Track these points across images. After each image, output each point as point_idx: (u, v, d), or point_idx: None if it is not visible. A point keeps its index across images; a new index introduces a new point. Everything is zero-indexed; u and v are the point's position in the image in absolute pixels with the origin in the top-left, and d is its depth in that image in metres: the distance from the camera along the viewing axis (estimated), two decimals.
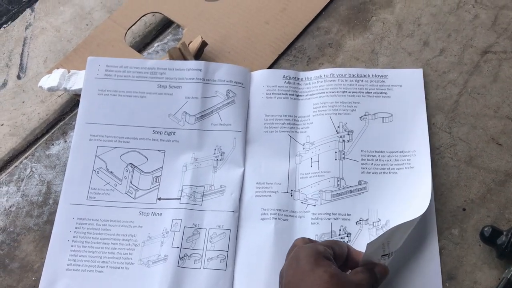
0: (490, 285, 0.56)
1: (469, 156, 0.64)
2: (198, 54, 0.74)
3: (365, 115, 0.67)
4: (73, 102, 0.77)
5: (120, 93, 0.69)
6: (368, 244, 0.48)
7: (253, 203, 0.63)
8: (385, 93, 0.68)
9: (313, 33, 0.75)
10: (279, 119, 0.68)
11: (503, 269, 0.56)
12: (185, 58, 0.72)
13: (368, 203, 0.61)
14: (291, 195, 0.63)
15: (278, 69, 0.72)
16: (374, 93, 0.68)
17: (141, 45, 0.82)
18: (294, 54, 0.74)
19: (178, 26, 0.81)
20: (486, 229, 0.57)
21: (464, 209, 0.61)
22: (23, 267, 0.63)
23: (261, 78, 0.71)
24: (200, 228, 0.61)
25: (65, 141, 0.72)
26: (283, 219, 0.61)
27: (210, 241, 0.60)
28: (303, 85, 0.70)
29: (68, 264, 0.60)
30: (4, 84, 0.80)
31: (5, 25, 0.87)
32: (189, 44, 0.73)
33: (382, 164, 0.63)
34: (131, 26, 0.80)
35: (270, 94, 0.70)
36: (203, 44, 0.74)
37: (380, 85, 0.69)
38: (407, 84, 0.69)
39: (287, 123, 0.67)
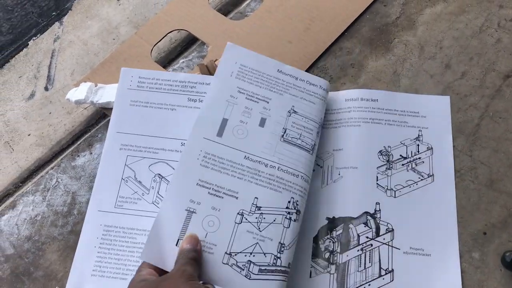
0: None
1: (490, 179, 0.65)
2: None
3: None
4: (99, 115, 0.79)
5: (151, 104, 0.70)
6: None
7: None
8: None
9: (336, 53, 0.77)
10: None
11: None
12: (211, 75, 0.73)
13: None
14: None
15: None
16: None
17: (166, 61, 0.84)
18: (316, 73, 0.76)
19: (203, 43, 0.82)
20: (507, 254, 0.57)
21: (485, 233, 0.61)
22: (47, 276, 0.64)
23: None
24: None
25: (91, 153, 0.73)
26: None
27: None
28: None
29: (93, 270, 0.62)
30: (32, 95, 0.82)
31: (34, 38, 0.89)
32: (215, 61, 0.75)
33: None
34: (157, 42, 0.82)
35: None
36: None
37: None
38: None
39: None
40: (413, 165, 0.66)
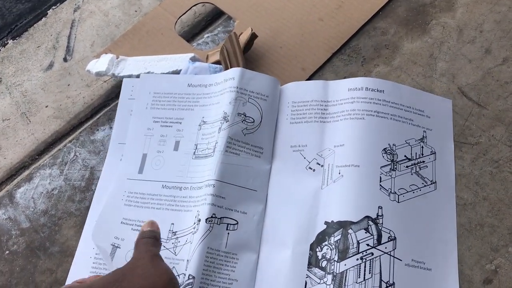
0: None
1: None
2: (248, 47, 0.72)
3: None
4: (118, 88, 0.75)
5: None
6: None
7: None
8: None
9: (369, 33, 0.73)
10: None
11: None
12: (233, 50, 0.70)
13: None
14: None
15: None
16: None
17: (190, 35, 0.81)
18: (348, 53, 0.72)
19: (229, 17, 0.79)
20: None
21: None
22: (63, 252, 0.62)
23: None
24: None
25: (111, 128, 0.71)
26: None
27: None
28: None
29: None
30: (51, 66, 0.80)
31: (54, 7, 0.86)
32: (239, 35, 0.72)
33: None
34: (182, 15, 0.79)
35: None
36: (253, 36, 0.72)
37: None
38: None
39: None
40: (417, 169, 0.61)
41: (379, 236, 0.56)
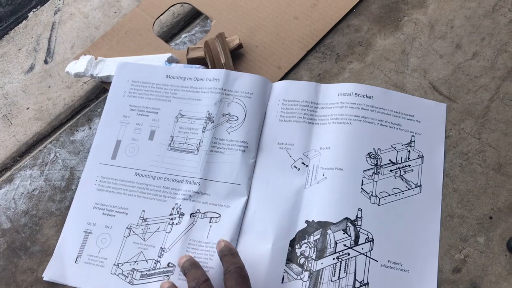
0: None
1: (498, 163, 0.63)
2: (233, 54, 0.73)
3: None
4: (98, 89, 0.77)
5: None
6: None
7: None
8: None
9: (343, 31, 0.74)
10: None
11: None
12: (219, 47, 0.71)
13: None
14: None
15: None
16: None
17: (169, 36, 0.82)
18: (322, 51, 0.73)
19: (207, 17, 0.80)
20: None
21: (491, 217, 0.60)
22: (44, 251, 0.63)
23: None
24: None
25: (90, 128, 0.72)
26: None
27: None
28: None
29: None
30: (31, 68, 0.80)
31: (34, 9, 0.87)
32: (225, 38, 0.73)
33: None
34: (160, 16, 0.80)
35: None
36: (239, 46, 0.73)
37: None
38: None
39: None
40: (402, 172, 0.62)
41: (357, 237, 0.58)
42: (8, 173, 0.70)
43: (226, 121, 0.66)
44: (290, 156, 0.64)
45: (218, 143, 0.65)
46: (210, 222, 0.61)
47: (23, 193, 0.68)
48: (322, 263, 0.57)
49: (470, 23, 0.73)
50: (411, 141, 0.64)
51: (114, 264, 0.60)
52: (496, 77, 0.68)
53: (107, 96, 0.70)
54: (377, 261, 0.57)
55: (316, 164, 0.63)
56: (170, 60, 0.73)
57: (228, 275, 0.52)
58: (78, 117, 0.74)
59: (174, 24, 0.83)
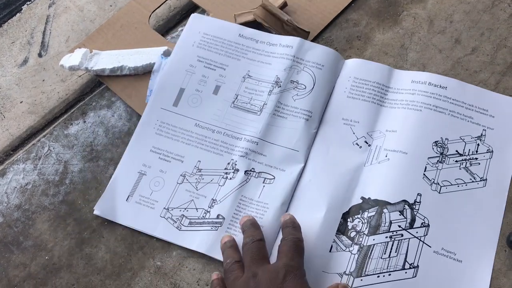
0: None
1: None
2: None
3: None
4: (93, 83, 0.76)
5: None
6: None
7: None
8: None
9: (342, 25, 0.74)
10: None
11: None
12: (272, 14, 0.71)
13: None
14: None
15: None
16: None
17: (165, 29, 0.81)
18: (321, 45, 0.73)
19: (204, 11, 0.79)
20: None
21: None
22: (37, 246, 0.62)
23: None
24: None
25: (84, 122, 0.71)
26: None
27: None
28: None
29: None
30: (25, 61, 0.79)
31: (28, 2, 0.86)
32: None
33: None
34: (156, 9, 0.79)
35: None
36: (284, 4, 0.74)
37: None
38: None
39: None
40: (468, 164, 0.62)
41: (413, 220, 0.59)
42: (0, 167, 0.69)
43: (293, 88, 0.67)
44: (354, 133, 0.65)
45: (283, 108, 0.66)
46: (263, 183, 0.63)
47: (15, 187, 0.67)
48: (374, 239, 0.58)
49: (469, 18, 0.72)
50: (481, 134, 0.63)
51: (164, 208, 0.62)
52: (495, 72, 0.68)
53: (105, 88, 0.69)
54: (430, 247, 0.57)
55: (379, 145, 0.64)
56: (166, 54, 0.72)
57: (284, 242, 0.53)
58: (72, 110, 0.73)
59: (170, 17, 0.82)
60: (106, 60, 0.72)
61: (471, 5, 0.73)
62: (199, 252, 0.59)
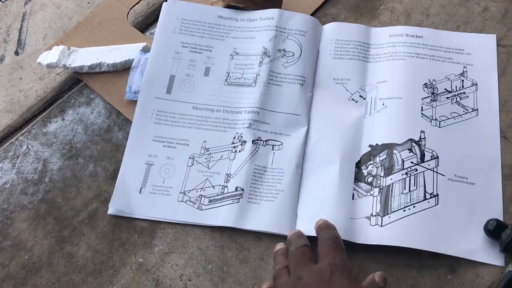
0: (492, 279, 0.55)
1: None
2: None
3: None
4: (72, 81, 0.75)
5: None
6: None
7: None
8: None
9: (321, 19, 0.74)
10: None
11: (507, 264, 0.55)
12: None
13: None
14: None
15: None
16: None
17: (144, 25, 0.80)
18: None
19: None
20: (490, 222, 0.56)
21: None
22: (16, 246, 0.61)
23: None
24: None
25: (63, 119, 0.70)
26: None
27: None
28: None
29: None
30: (1, 59, 0.78)
31: (3, 0, 0.85)
32: None
33: None
34: (134, 6, 0.78)
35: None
36: None
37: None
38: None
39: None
40: (458, 99, 0.66)
41: (422, 155, 0.62)
42: None
43: (282, 56, 0.69)
44: (347, 90, 0.68)
45: (276, 76, 0.68)
46: (272, 150, 0.64)
47: None
48: (391, 179, 0.61)
49: (445, 11, 0.73)
50: (463, 71, 0.68)
51: (181, 192, 0.63)
52: None
53: (83, 85, 0.68)
54: (444, 176, 0.61)
55: (374, 96, 0.67)
56: (145, 49, 0.72)
57: (322, 243, 0.52)
58: (51, 108, 0.72)
59: (149, 14, 0.82)
60: (85, 57, 0.72)
61: None
62: (181, 248, 0.59)
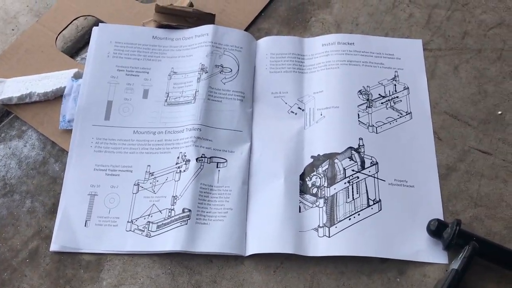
0: (438, 277, 0.57)
1: None
2: None
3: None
4: (0, 113, 0.72)
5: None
6: None
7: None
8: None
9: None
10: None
11: (450, 261, 0.57)
12: (171, 14, 0.72)
13: None
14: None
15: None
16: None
17: (74, 50, 0.78)
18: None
19: None
20: (432, 222, 0.58)
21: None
22: None
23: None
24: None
25: None
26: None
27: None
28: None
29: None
30: None
31: None
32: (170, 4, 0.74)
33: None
34: (62, 31, 0.76)
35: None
36: (191, 4, 0.75)
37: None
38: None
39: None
40: (392, 104, 0.68)
41: (363, 162, 0.64)
42: None
43: (220, 72, 0.69)
44: (286, 103, 0.69)
45: (215, 92, 0.68)
46: (217, 167, 0.63)
47: None
48: (335, 189, 0.62)
49: (373, 19, 0.76)
50: (395, 76, 0.70)
51: (128, 221, 0.61)
52: None
53: (13, 117, 0.65)
54: (384, 181, 0.63)
55: (312, 107, 0.68)
56: (76, 76, 0.69)
57: None
58: None
59: (78, 38, 0.79)
60: (13, 88, 0.69)
61: (374, 7, 0.77)
62: (130, 279, 0.58)
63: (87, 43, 0.78)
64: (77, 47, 0.78)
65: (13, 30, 0.80)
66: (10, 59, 0.73)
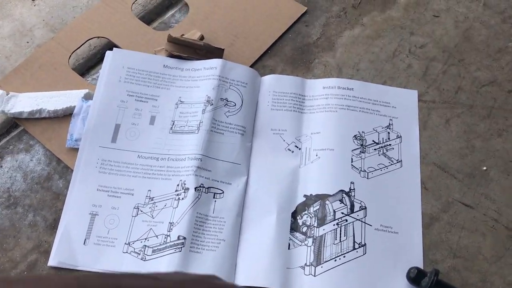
0: None
1: None
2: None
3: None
4: (9, 124, 0.74)
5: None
6: None
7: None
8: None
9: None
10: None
11: None
12: (183, 45, 0.75)
13: None
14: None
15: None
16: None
17: (85, 68, 0.81)
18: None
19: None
20: (412, 270, 0.61)
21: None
22: None
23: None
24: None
25: (1, 166, 0.69)
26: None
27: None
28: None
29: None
30: None
31: None
32: (181, 36, 0.77)
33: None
34: (76, 49, 0.79)
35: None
36: (202, 37, 0.79)
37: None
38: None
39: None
40: (384, 151, 0.72)
41: (352, 206, 0.67)
42: None
43: (224, 106, 0.72)
44: (284, 140, 0.72)
45: (218, 124, 0.71)
46: (214, 198, 0.66)
47: None
48: (324, 229, 0.65)
49: (373, 67, 0.80)
50: (389, 124, 0.74)
51: (125, 243, 0.63)
52: None
53: (22, 130, 0.67)
54: (371, 226, 0.66)
55: (308, 147, 0.71)
56: (87, 97, 0.72)
57: None
58: None
59: (90, 56, 0.82)
60: (24, 103, 0.71)
61: (375, 55, 0.81)
62: None
63: (98, 62, 0.82)
64: (88, 65, 0.81)
65: (27, 42, 0.83)
66: (24, 74, 0.76)
